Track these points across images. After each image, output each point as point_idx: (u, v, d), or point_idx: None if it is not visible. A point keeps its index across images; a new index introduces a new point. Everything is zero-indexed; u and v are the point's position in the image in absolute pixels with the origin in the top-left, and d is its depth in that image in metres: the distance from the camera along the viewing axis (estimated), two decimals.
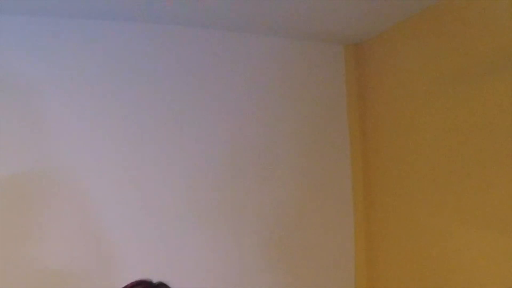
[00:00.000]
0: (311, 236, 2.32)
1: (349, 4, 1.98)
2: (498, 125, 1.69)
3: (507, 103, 1.65)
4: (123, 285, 1.35)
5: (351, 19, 2.16)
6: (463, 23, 1.84)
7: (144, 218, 2.07)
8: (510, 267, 1.62)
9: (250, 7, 2.00)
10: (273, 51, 2.35)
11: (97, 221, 2.00)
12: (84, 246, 1.98)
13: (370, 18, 2.15)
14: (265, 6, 1.99)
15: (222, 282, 2.14)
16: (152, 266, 2.01)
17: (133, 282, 1.36)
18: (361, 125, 2.43)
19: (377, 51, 2.35)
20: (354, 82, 2.46)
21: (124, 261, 2.00)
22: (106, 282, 1.93)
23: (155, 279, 1.40)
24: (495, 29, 1.71)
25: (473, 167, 1.79)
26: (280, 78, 2.35)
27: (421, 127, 2.05)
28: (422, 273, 2.02)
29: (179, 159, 2.15)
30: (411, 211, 2.10)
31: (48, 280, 1.89)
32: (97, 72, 2.07)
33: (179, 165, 2.15)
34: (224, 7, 2.00)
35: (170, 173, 2.13)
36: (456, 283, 1.84)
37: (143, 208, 2.07)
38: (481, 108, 1.76)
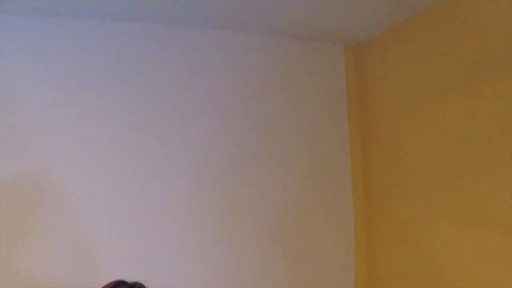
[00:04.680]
0: (311, 236, 2.32)
1: (349, 4, 1.98)
2: (498, 126, 1.69)
3: (507, 104, 1.65)
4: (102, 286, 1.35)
5: (351, 19, 2.16)
6: (463, 23, 1.84)
7: (143, 220, 2.07)
8: (509, 268, 1.62)
9: (250, 7, 2.00)
10: (273, 51, 2.35)
11: (92, 225, 1.99)
12: (78, 252, 1.97)
13: (370, 18, 2.15)
14: (265, 6, 1.99)
15: (222, 282, 2.14)
16: (152, 267, 2.01)
17: (111, 283, 1.36)
18: (361, 125, 2.43)
19: (377, 51, 2.35)
20: (354, 82, 2.46)
21: (121, 264, 1.99)
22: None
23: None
24: (495, 30, 1.71)
25: (472, 167, 1.79)
26: (280, 78, 2.35)
27: (420, 127, 2.05)
28: (421, 273, 2.02)
29: (178, 160, 2.14)
30: (411, 211, 2.10)
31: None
32: (96, 72, 2.07)
33: (178, 166, 2.14)
34: (223, 7, 2.00)
35: (169, 175, 2.13)
36: (456, 283, 1.84)
37: (142, 210, 2.07)
38: (481, 108, 1.76)
